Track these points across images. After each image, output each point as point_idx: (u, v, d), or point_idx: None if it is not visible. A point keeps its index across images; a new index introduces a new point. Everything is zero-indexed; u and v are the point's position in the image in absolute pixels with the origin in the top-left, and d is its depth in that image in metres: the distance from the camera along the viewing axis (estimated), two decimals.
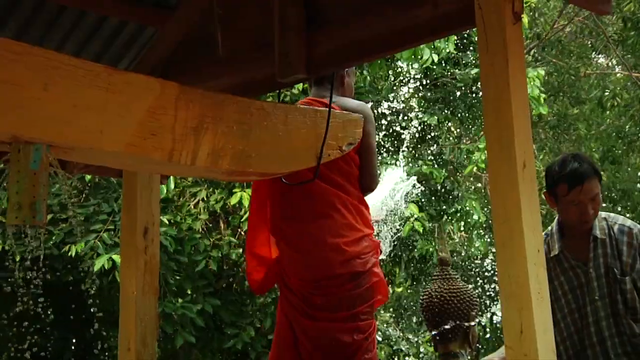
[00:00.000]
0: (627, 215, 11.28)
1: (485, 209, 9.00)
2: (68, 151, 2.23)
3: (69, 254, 7.01)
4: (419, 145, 8.22)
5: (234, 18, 3.20)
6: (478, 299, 3.58)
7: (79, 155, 2.31)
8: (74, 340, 8.42)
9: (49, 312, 8.29)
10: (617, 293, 3.23)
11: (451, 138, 8.64)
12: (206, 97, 2.53)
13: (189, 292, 7.53)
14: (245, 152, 2.62)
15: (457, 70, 7.97)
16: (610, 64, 11.55)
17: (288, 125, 2.78)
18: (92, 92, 2.18)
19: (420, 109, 8.26)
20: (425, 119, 8.03)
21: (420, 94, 8.41)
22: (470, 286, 3.62)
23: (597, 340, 3.24)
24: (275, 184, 3.32)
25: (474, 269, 10.96)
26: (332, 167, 3.22)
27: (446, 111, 8.31)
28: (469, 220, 8.18)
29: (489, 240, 10.07)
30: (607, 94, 10.40)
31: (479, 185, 11.28)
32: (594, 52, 11.51)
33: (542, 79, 7.86)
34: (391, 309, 10.92)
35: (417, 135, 8.23)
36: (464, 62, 7.82)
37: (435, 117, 8.05)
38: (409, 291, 10.14)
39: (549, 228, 3.45)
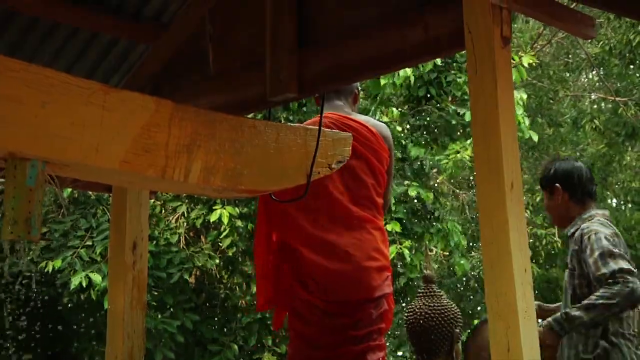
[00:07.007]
0: None
1: (469, 231, 8.94)
2: (63, 167, 2.24)
3: (46, 269, 6.96)
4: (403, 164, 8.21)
5: (226, 36, 3.23)
6: (462, 316, 3.62)
7: (74, 171, 2.32)
8: (55, 355, 8.34)
9: (25, 327, 8.21)
10: (571, 286, 3.52)
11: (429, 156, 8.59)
12: (199, 115, 2.54)
13: (169, 306, 7.50)
14: (236, 169, 2.63)
15: (440, 94, 7.98)
16: (587, 85, 11.68)
17: (279, 143, 2.80)
18: (89, 110, 2.19)
19: (403, 134, 8.24)
20: (410, 151, 8.01)
21: (403, 120, 8.40)
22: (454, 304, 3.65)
23: None
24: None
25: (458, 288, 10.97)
26: (361, 196, 3.31)
27: (428, 139, 8.33)
28: (449, 240, 8.17)
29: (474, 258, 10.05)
30: (585, 115, 10.55)
31: (458, 204, 11.31)
32: (569, 73, 11.63)
33: (525, 102, 7.87)
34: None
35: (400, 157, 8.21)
36: (447, 80, 7.84)
37: (421, 149, 8.05)
38: None
39: None
